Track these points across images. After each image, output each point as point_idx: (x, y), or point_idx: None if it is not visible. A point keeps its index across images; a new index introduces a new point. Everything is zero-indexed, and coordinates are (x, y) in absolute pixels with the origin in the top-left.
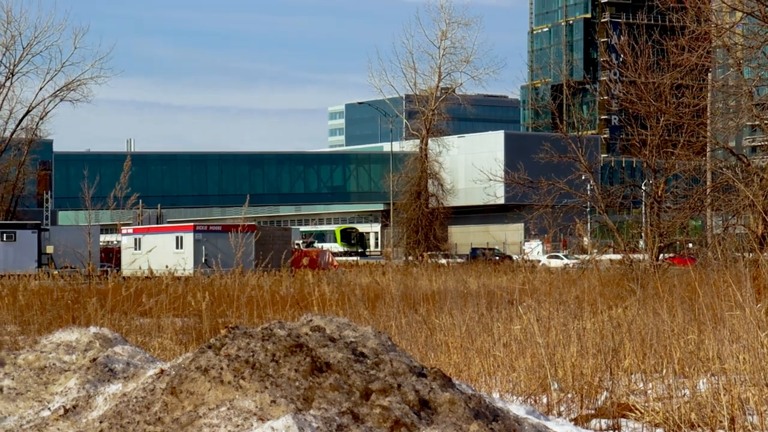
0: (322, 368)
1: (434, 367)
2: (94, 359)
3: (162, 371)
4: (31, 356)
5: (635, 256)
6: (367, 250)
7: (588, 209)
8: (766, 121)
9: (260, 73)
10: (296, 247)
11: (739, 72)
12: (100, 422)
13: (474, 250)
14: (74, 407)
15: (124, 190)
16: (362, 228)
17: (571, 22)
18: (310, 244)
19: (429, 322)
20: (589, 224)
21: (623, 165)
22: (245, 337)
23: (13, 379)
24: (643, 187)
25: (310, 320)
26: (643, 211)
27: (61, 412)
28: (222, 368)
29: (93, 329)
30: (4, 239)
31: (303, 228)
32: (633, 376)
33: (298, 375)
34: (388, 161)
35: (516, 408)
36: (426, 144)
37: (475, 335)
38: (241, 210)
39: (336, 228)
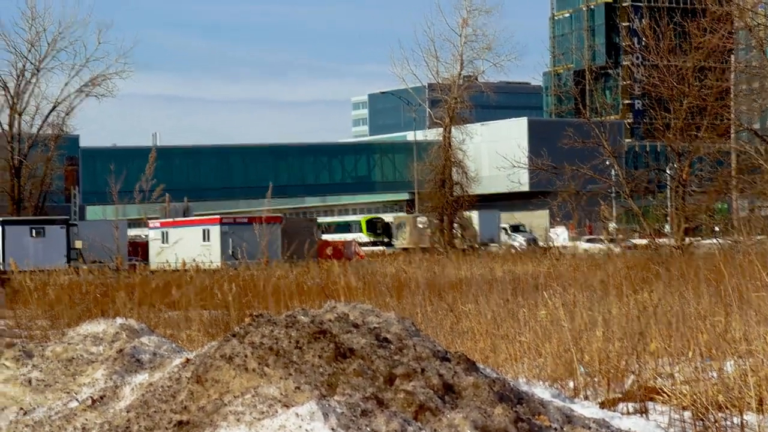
0: (345, 354)
1: (458, 351)
2: (121, 350)
3: (187, 360)
4: (59, 348)
5: (661, 239)
6: (393, 239)
7: (613, 194)
8: None
9: (282, 65)
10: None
11: (762, 52)
12: (128, 412)
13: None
14: (102, 398)
15: (149, 181)
16: (388, 218)
17: (592, 6)
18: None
19: (455, 309)
20: (614, 209)
21: (647, 149)
22: (269, 325)
23: (41, 371)
24: (668, 171)
25: (334, 307)
26: (669, 195)
27: (89, 402)
28: (246, 356)
29: (119, 320)
30: (34, 235)
31: (328, 219)
32: (660, 359)
33: (322, 361)
34: (412, 150)
35: (541, 392)
36: (449, 132)
37: (500, 321)
38: (266, 202)
39: (362, 218)
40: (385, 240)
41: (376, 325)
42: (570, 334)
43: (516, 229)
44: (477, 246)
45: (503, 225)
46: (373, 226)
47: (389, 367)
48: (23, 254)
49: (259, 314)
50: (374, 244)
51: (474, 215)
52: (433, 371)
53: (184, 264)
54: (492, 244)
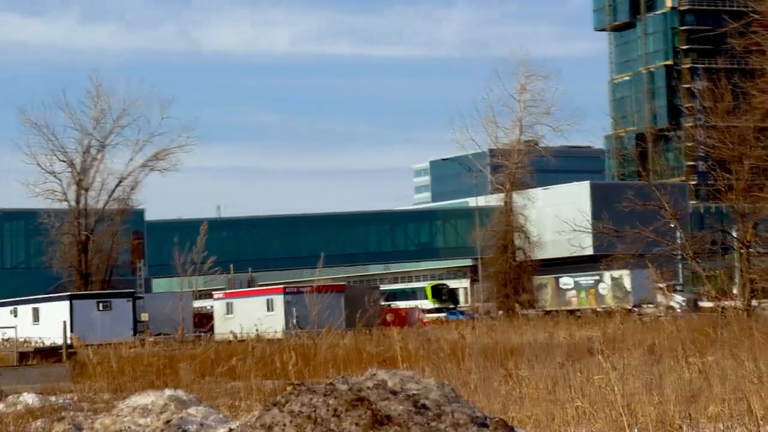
0: (382, 421)
1: (496, 417)
2: (168, 421)
3: (230, 430)
4: (108, 420)
5: (726, 302)
6: (459, 306)
7: (679, 257)
8: None
9: (345, 135)
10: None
11: None
12: None
13: None
14: None
15: (201, 253)
16: (451, 284)
17: (652, 69)
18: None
19: (512, 375)
20: (680, 272)
21: (712, 211)
22: (309, 393)
23: None
24: (734, 233)
25: (374, 374)
26: (735, 257)
27: None
28: (285, 425)
29: (168, 392)
30: (101, 308)
31: (391, 286)
32: (720, 424)
33: (359, 429)
34: (474, 216)
35: None
36: (511, 198)
37: (555, 386)
38: (332, 270)
39: (426, 285)
40: (451, 306)
41: (415, 392)
42: (622, 398)
43: (673, 289)
44: (628, 309)
45: (659, 285)
46: (438, 292)
47: None
48: (91, 328)
49: (300, 383)
50: (439, 310)
51: (625, 275)
52: None
53: (235, 336)
54: (646, 306)
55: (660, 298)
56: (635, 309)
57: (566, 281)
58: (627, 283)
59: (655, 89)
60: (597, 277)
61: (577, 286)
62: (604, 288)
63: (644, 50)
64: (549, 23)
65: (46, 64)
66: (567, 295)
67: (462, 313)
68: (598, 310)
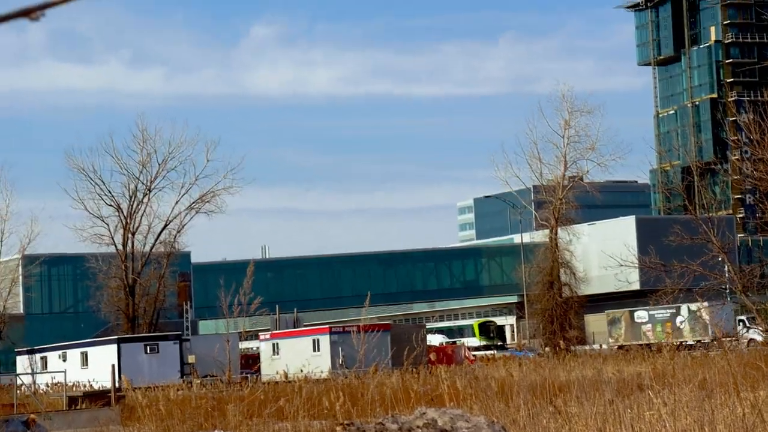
0: None
1: None
2: None
3: None
4: None
5: None
6: (506, 343)
7: (727, 290)
8: None
9: (386, 175)
10: (439, 343)
11: None
12: None
13: None
14: None
15: (247, 294)
16: (497, 321)
17: (697, 102)
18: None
19: (561, 412)
20: (730, 306)
21: (760, 243)
22: None
23: None
24: None
25: (424, 413)
26: None
27: None
28: None
29: None
30: (148, 351)
31: (438, 324)
32: None
33: None
34: (519, 253)
35: None
36: (556, 233)
37: (606, 423)
38: (377, 309)
39: (474, 322)
40: (498, 343)
41: (466, 430)
42: None
43: (754, 321)
44: (708, 342)
45: (740, 318)
46: (486, 329)
47: None
48: (138, 371)
49: (349, 422)
50: (487, 348)
51: (704, 307)
52: None
53: (286, 376)
54: (726, 340)
55: (741, 331)
56: (713, 343)
57: (641, 315)
58: (706, 315)
59: (700, 122)
60: (673, 310)
61: (653, 320)
62: (681, 321)
63: (689, 84)
64: (592, 58)
65: (92, 110)
66: (642, 329)
67: (530, 350)
68: (641, 345)
